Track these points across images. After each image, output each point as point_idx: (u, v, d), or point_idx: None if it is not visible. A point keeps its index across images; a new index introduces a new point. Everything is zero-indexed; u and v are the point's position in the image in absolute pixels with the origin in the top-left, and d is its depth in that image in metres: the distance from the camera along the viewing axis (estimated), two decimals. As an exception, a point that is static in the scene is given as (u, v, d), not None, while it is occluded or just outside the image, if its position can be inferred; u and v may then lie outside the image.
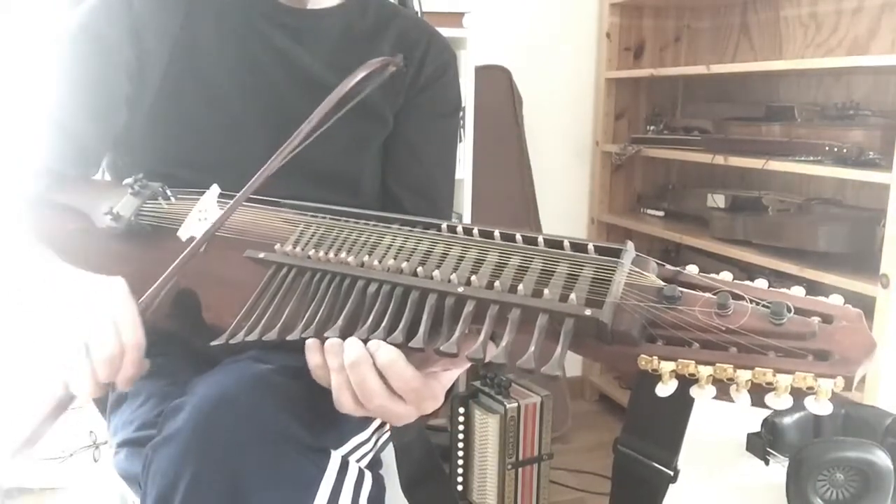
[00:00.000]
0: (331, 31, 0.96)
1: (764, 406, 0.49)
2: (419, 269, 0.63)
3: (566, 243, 0.62)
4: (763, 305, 0.52)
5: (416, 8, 1.56)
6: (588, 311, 0.54)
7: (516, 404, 1.74)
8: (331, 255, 0.68)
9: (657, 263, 0.60)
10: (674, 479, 0.56)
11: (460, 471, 1.82)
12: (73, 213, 0.81)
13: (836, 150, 1.66)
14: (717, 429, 1.27)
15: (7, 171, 0.84)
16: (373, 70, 0.85)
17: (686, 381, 0.51)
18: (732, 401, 0.50)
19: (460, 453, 1.81)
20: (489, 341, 0.57)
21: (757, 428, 1.21)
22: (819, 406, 0.47)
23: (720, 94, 2.31)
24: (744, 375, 0.49)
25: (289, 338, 0.64)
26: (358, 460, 0.83)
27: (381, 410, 0.61)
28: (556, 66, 2.36)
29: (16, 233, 0.79)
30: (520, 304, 0.57)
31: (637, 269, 0.58)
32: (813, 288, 1.61)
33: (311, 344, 0.63)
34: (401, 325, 0.60)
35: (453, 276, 0.61)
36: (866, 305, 1.50)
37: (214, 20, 0.92)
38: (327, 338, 0.62)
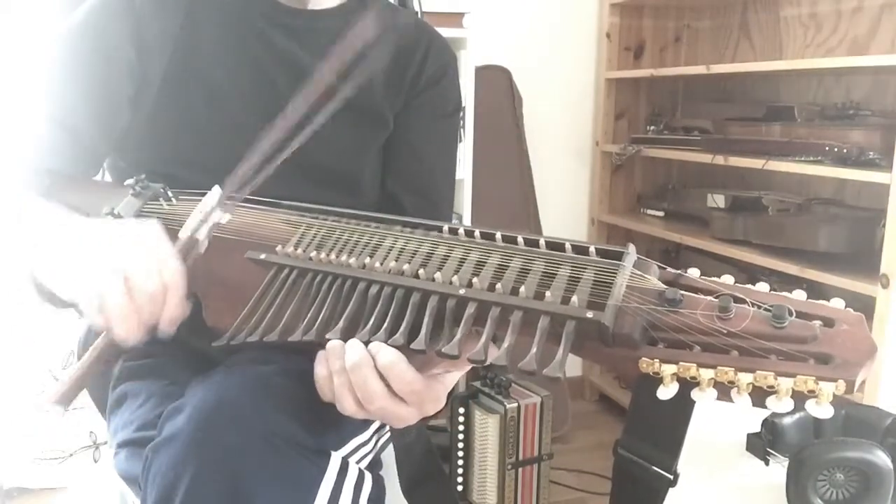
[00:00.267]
0: (331, 31, 0.95)
1: (765, 408, 0.49)
2: (421, 272, 0.63)
3: (568, 246, 0.62)
4: (765, 309, 0.52)
5: (416, 8, 1.56)
6: (590, 314, 0.54)
7: (516, 404, 1.74)
8: (332, 256, 0.68)
9: (658, 266, 0.60)
10: (673, 482, 0.56)
11: (460, 471, 1.82)
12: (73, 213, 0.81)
13: (836, 150, 1.66)
14: (717, 429, 1.27)
15: (7, 170, 0.84)
16: (368, 38, 0.82)
17: (687, 384, 0.51)
18: (733, 402, 0.50)
19: (460, 453, 1.81)
20: (490, 343, 0.57)
21: (757, 428, 1.21)
22: (820, 409, 0.47)
23: (720, 94, 2.31)
24: (745, 379, 0.49)
25: (290, 339, 0.64)
26: (358, 461, 0.83)
27: (383, 413, 0.61)
28: (556, 66, 2.36)
29: (38, 199, 0.77)
30: (521, 306, 0.57)
31: (638, 272, 0.58)
32: (813, 288, 1.61)
33: (321, 356, 0.63)
34: (402, 327, 0.60)
35: (455, 279, 0.61)
36: (866, 305, 1.50)
37: (215, 20, 0.92)
38: (328, 340, 0.62)
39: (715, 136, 2.06)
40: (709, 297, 0.54)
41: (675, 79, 2.39)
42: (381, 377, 0.60)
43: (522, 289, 0.58)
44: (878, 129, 1.66)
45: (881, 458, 0.99)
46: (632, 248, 0.61)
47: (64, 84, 0.87)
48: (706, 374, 0.50)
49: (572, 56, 2.38)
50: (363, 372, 0.59)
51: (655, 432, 0.57)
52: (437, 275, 0.62)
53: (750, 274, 1.88)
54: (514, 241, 0.64)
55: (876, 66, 1.56)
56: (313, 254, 0.68)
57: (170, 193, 0.81)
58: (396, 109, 0.99)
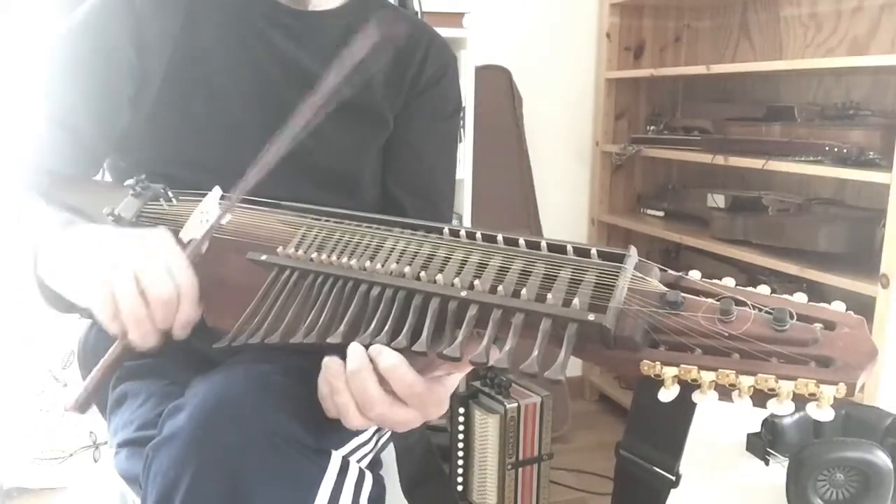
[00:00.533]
0: (332, 32, 0.96)
1: (766, 409, 0.50)
2: (422, 273, 0.63)
3: (569, 248, 0.62)
4: (766, 312, 0.52)
5: (416, 8, 1.56)
6: (591, 316, 0.54)
7: (516, 404, 1.74)
8: (333, 258, 0.68)
9: (660, 269, 0.60)
10: (675, 483, 0.56)
11: (460, 471, 1.82)
12: (74, 214, 0.81)
13: (836, 150, 1.66)
14: (717, 429, 1.27)
15: (7, 170, 0.84)
16: (374, 41, 0.82)
17: (688, 387, 0.51)
18: (734, 404, 0.50)
19: (460, 453, 1.81)
20: (492, 345, 0.57)
21: (757, 428, 1.21)
22: (821, 412, 0.47)
23: (720, 94, 2.31)
24: (746, 381, 0.49)
25: (291, 341, 0.64)
26: (358, 461, 0.83)
27: (383, 418, 0.61)
28: (556, 66, 2.36)
29: (40, 203, 0.77)
30: (523, 308, 0.57)
31: (640, 275, 0.58)
32: (813, 288, 1.61)
33: (323, 376, 0.63)
34: (404, 330, 0.60)
35: (456, 281, 0.61)
36: (866, 305, 1.50)
37: (215, 21, 0.92)
38: (329, 343, 0.62)
39: (715, 136, 2.06)
40: (710, 300, 0.54)
41: (675, 79, 2.39)
42: (381, 382, 0.60)
43: (524, 291, 0.58)
44: (878, 129, 1.66)
45: (881, 458, 0.99)
46: (633, 250, 0.61)
47: (64, 84, 0.87)
48: (707, 377, 0.50)
49: (572, 56, 2.38)
50: (362, 376, 0.60)
51: (657, 434, 0.57)
52: (439, 277, 0.62)
53: (750, 274, 1.88)
54: (515, 243, 0.64)
55: (876, 66, 1.56)
56: (314, 255, 0.68)
57: (170, 194, 0.80)
58: (396, 110, 0.99)
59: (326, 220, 0.73)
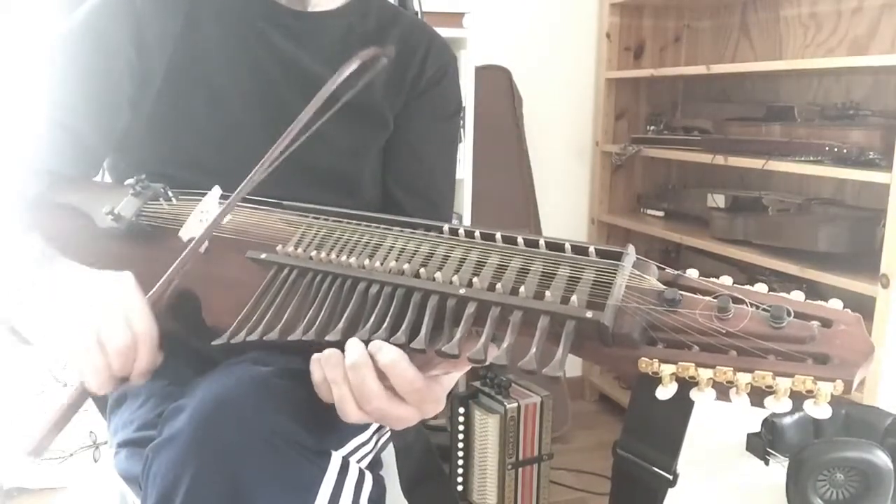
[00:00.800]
0: (332, 33, 0.96)
1: (763, 408, 0.50)
2: (421, 271, 0.63)
3: (567, 246, 0.62)
4: (763, 309, 0.52)
5: (416, 8, 1.56)
6: (589, 314, 0.54)
7: (516, 404, 1.74)
8: (332, 256, 0.68)
9: (658, 267, 0.60)
10: (673, 483, 0.56)
11: (460, 471, 1.82)
12: (74, 214, 0.81)
13: (836, 150, 1.66)
14: (716, 429, 1.27)
15: (7, 171, 0.84)
16: (363, 62, 0.84)
17: (686, 384, 0.51)
18: (732, 403, 0.50)
19: (460, 453, 1.81)
20: (490, 343, 0.57)
21: (757, 428, 1.21)
22: (818, 410, 0.47)
23: (720, 94, 2.31)
24: (744, 378, 0.49)
25: (290, 338, 0.64)
26: (358, 461, 0.83)
27: (380, 413, 0.61)
28: (556, 66, 2.36)
29: (18, 233, 0.78)
30: (521, 306, 0.57)
31: (638, 273, 0.58)
32: (813, 288, 1.61)
33: (315, 361, 0.63)
34: (402, 327, 0.60)
35: (455, 278, 0.61)
36: (866, 305, 1.50)
37: (215, 21, 0.92)
38: (328, 341, 0.62)
39: (715, 136, 2.07)
40: (707, 298, 0.54)
41: (675, 79, 2.40)
42: (380, 377, 0.60)
43: (522, 289, 0.58)
44: (878, 129, 1.66)
45: (881, 458, 0.99)
46: (631, 248, 0.61)
47: (64, 84, 0.87)
48: (705, 374, 0.50)
49: (572, 56, 2.38)
50: (362, 372, 0.59)
51: (654, 433, 0.57)
52: (438, 275, 0.62)
53: (750, 274, 1.88)
54: (513, 241, 0.64)
55: (876, 66, 1.57)
56: (314, 253, 0.69)
57: (170, 193, 0.81)
58: (397, 110, 0.99)
59: (326, 219, 0.73)
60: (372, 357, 0.60)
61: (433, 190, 1.04)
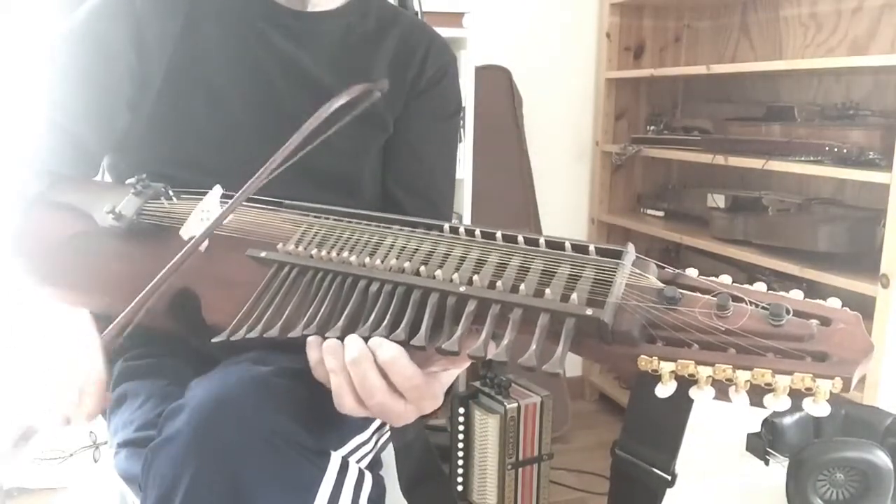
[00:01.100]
0: (331, 33, 0.96)
1: (762, 407, 0.50)
2: (421, 269, 0.63)
3: (567, 245, 0.62)
4: (762, 307, 0.52)
5: (416, 8, 1.56)
6: (589, 311, 0.54)
7: (516, 404, 1.74)
8: (333, 254, 0.68)
9: (657, 265, 0.60)
10: (671, 483, 0.56)
11: (460, 471, 1.82)
12: (74, 213, 0.81)
13: (836, 150, 1.66)
14: (716, 429, 1.27)
15: (7, 171, 0.84)
16: (355, 96, 0.85)
17: (685, 382, 0.51)
18: (731, 402, 0.50)
19: (460, 453, 1.81)
20: (490, 340, 0.57)
21: (757, 428, 1.21)
22: (817, 407, 0.47)
23: (720, 94, 2.31)
24: (743, 376, 0.49)
25: (290, 335, 0.64)
26: (358, 461, 0.83)
27: (381, 408, 0.61)
28: (556, 66, 2.36)
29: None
30: (521, 303, 0.57)
31: (638, 271, 0.58)
32: (813, 288, 1.61)
33: (311, 340, 0.63)
34: (402, 324, 0.60)
35: (455, 276, 0.61)
36: (866, 305, 1.50)
37: (215, 22, 0.92)
38: (328, 337, 0.62)
39: (715, 136, 2.07)
40: (707, 296, 0.54)
41: (675, 79, 2.40)
42: (381, 373, 0.60)
43: (522, 286, 0.58)
44: (878, 129, 1.66)
45: (881, 458, 0.99)
46: (631, 247, 0.61)
47: (64, 86, 0.87)
48: (704, 372, 0.50)
49: (572, 56, 2.38)
50: (363, 367, 0.59)
51: (653, 432, 0.57)
52: (438, 272, 0.62)
53: (750, 274, 1.88)
54: (514, 240, 0.64)
55: (876, 66, 1.57)
56: (314, 251, 0.69)
57: (170, 192, 0.81)
58: (397, 111, 0.99)
59: (327, 218, 0.73)
60: (372, 353, 0.60)
61: (433, 190, 1.04)
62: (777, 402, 0.48)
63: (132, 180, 0.81)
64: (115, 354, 0.87)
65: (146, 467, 0.67)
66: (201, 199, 0.77)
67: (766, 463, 1.18)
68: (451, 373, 0.66)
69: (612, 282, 0.57)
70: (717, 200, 2.05)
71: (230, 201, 0.73)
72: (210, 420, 0.64)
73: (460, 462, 1.82)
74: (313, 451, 0.68)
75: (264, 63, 0.93)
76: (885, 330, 1.51)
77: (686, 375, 0.51)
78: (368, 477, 0.73)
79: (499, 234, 0.65)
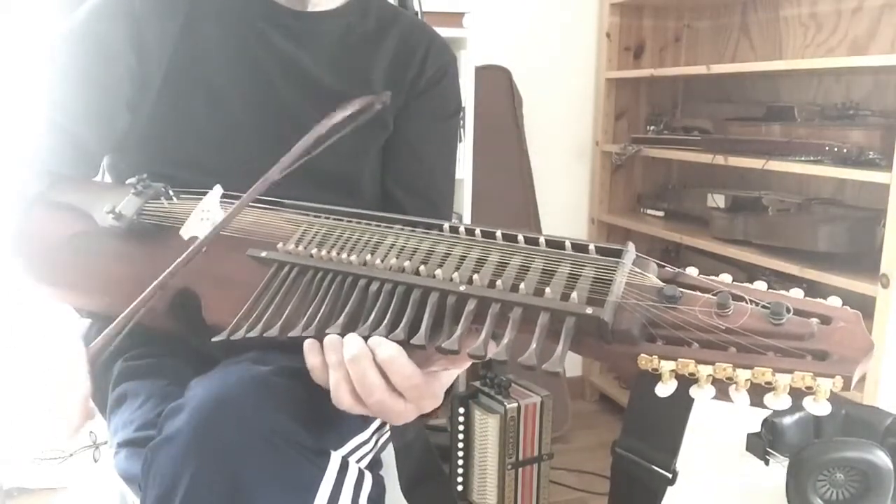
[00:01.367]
0: (331, 33, 0.96)
1: (763, 406, 0.49)
2: (421, 268, 0.63)
3: (567, 244, 0.62)
4: (762, 306, 0.52)
5: (416, 8, 1.56)
6: (589, 310, 0.54)
7: (516, 404, 1.74)
8: (333, 254, 0.68)
9: (657, 264, 0.60)
10: (672, 481, 0.56)
11: (460, 471, 1.82)
12: (74, 213, 0.82)
13: (836, 150, 1.66)
14: (716, 429, 1.27)
15: (7, 171, 0.84)
16: (357, 109, 0.85)
17: (686, 381, 0.51)
18: (731, 401, 0.50)
19: (460, 453, 1.81)
20: (490, 339, 0.57)
21: (757, 428, 1.21)
22: (818, 406, 0.47)
23: (720, 94, 2.31)
24: (743, 375, 0.49)
25: (290, 335, 0.64)
26: (358, 461, 0.83)
27: (380, 406, 0.61)
28: (556, 66, 2.36)
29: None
30: (521, 302, 0.57)
31: (638, 270, 0.58)
32: (813, 288, 1.61)
33: (310, 345, 0.63)
34: (402, 323, 0.60)
35: (455, 275, 0.61)
36: (866, 305, 1.50)
37: (215, 22, 0.92)
38: (329, 334, 0.62)
39: (715, 136, 2.07)
40: (707, 295, 0.54)
41: (675, 79, 2.40)
42: (380, 371, 0.60)
43: (522, 285, 0.58)
44: (878, 129, 1.66)
45: (881, 458, 0.99)
46: (631, 246, 0.61)
47: (64, 87, 0.87)
48: (704, 371, 0.50)
49: (572, 56, 2.38)
50: (362, 364, 0.59)
51: (653, 431, 0.57)
52: (438, 272, 0.62)
53: (750, 274, 1.88)
54: (514, 239, 0.64)
55: (876, 66, 1.57)
56: (314, 251, 0.69)
57: (171, 192, 0.81)
58: (396, 111, 0.99)
59: (327, 218, 0.73)
60: (372, 352, 0.60)
61: (433, 190, 1.04)
62: (777, 400, 0.48)
63: (132, 180, 0.81)
64: (115, 354, 0.87)
65: (146, 467, 0.67)
66: (201, 199, 0.77)
67: (766, 463, 1.18)
68: (451, 372, 0.66)
69: (612, 281, 0.57)
70: (717, 200, 2.05)
71: (230, 204, 0.73)
72: (210, 419, 0.64)
73: (460, 462, 1.81)
74: (313, 450, 0.68)
75: (264, 63, 0.93)
76: (885, 330, 1.51)
77: (686, 374, 0.51)
78: (368, 477, 0.73)
79: (499, 234, 0.65)
